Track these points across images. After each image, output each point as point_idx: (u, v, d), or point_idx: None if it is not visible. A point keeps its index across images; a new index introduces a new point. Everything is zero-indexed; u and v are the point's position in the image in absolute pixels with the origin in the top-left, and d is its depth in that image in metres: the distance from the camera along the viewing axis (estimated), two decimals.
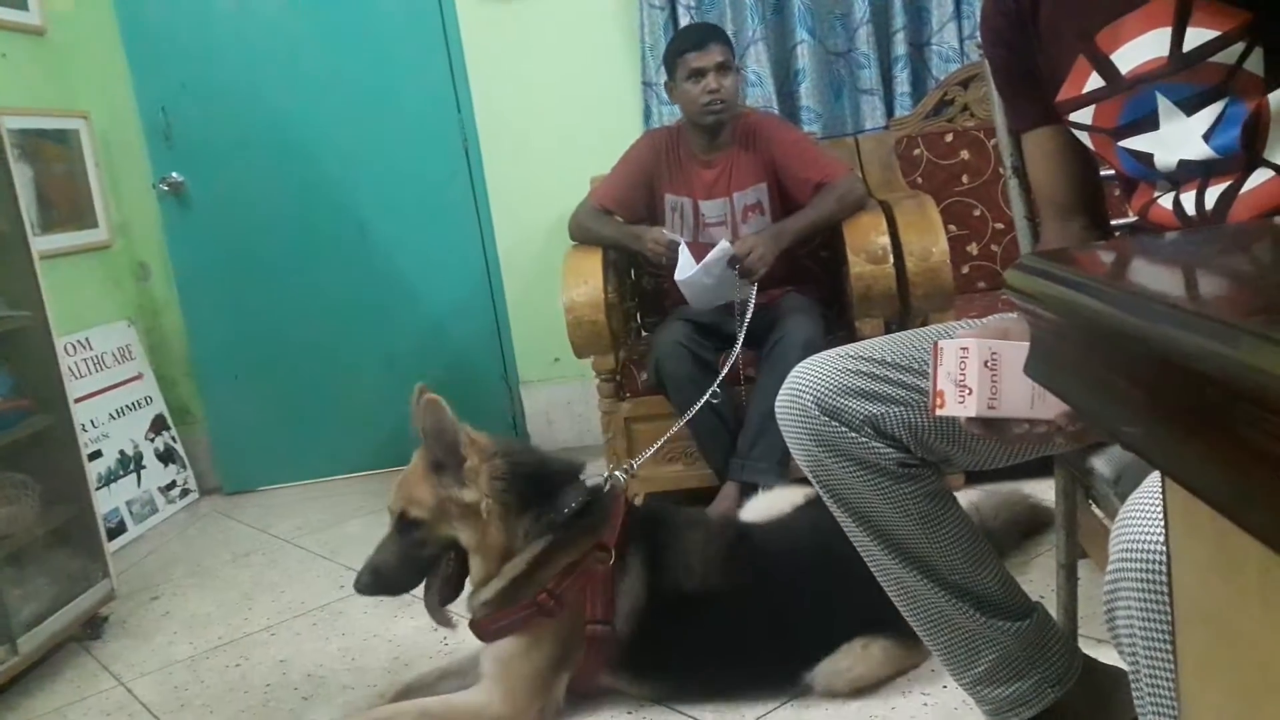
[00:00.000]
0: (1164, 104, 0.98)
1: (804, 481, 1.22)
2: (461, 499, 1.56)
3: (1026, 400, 0.91)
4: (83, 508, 2.22)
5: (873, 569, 1.20)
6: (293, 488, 3.31)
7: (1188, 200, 1.00)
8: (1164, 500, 0.50)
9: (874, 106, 2.92)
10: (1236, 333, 0.34)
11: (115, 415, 3.07)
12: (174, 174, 3.14)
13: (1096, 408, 0.47)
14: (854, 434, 1.10)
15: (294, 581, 2.46)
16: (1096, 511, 1.40)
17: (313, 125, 3.15)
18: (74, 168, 3.08)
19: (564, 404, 3.27)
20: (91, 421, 2.93)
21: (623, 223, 2.57)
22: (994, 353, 0.90)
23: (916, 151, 2.82)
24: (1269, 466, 0.32)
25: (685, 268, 2.33)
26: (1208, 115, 0.96)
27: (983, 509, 1.97)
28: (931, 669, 1.59)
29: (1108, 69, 1.01)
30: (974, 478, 2.30)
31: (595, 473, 1.77)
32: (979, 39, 1.24)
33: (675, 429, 2.08)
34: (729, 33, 2.71)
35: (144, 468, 3.13)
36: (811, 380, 1.12)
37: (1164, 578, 0.66)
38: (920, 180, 2.80)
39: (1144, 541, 0.69)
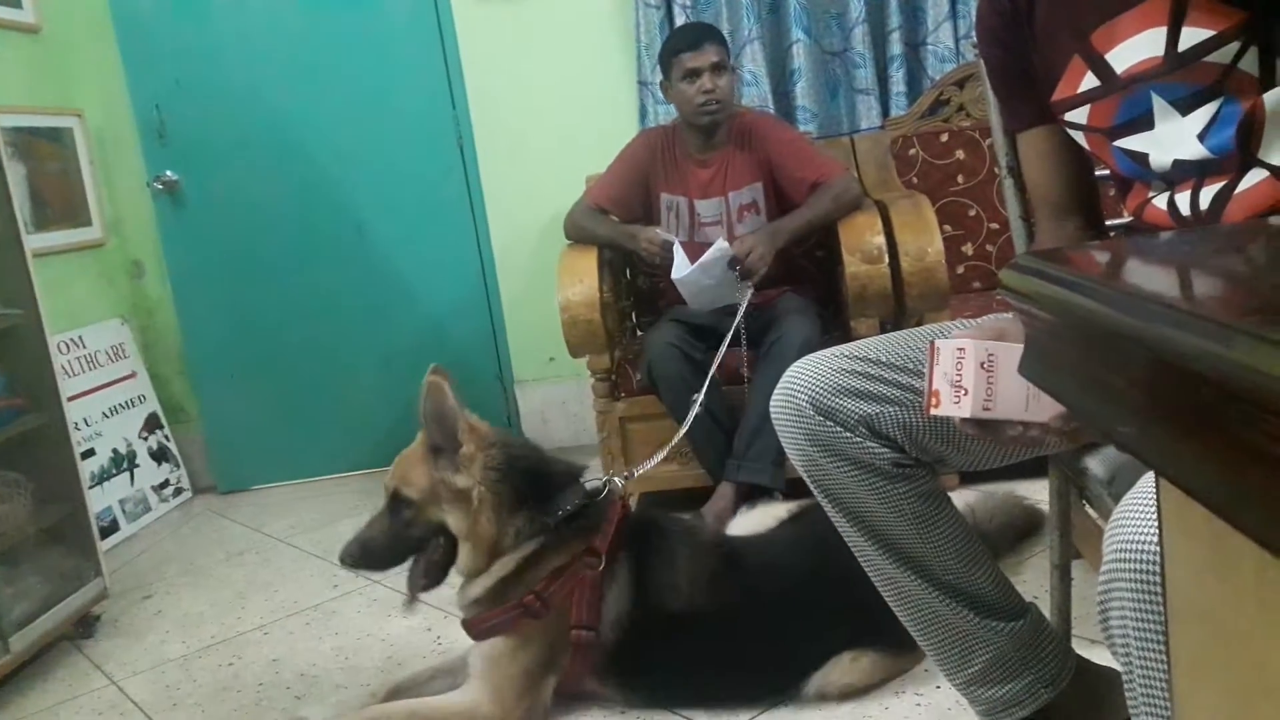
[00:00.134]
0: (1159, 103, 0.98)
1: (800, 482, 1.22)
2: (454, 484, 1.57)
3: (1021, 402, 0.91)
4: (75, 506, 2.21)
5: (866, 569, 1.20)
6: (286, 487, 3.30)
7: (1182, 200, 1.00)
8: (1158, 500, 0.50)
9: (869, 106, 2.92)
10: (1231, 333, 0.34)
11: (108, 414, 3.06)
12: (168, 172, 3.13)
13: (1091, 408, 0.47)
14: (849, 434, 1.10)
15: (287, 581, 2.45)
16: (1090, 512, 1.40)
17: (308, 123, 3.14)
18: (68, 166, 3.07)
19: (559, 403, 3.27)
20: (85, 420, 2.93)
21: (618, 222, 2.57)
22: (990, 354, 0.90)
23: (912, 151, 2.83)
24: (1264, 466, 0.32)
25: (681, 267, 2.33)
26: (1203, 115, 0.96)
27: (977, 510, 1.97)
28: (925, 669, 1.59)
29: (1103, 69, 1.01)
30: (968, 478, 2.30)
31: (595, 475, 1.76)
32: (974, 39, 1.24)
33: (675, 440, 2.08)
34: (724, 32, 2.71)
35: (137, 466, 3.12)
36: (806, 380, 1.12)
37: (1158, 578, 0.66)
38: (916, 180, 2.80)
39: (1138, 542, 0.69)
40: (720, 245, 2.29)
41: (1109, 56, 1.00)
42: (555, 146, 3.09)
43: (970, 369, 0.90)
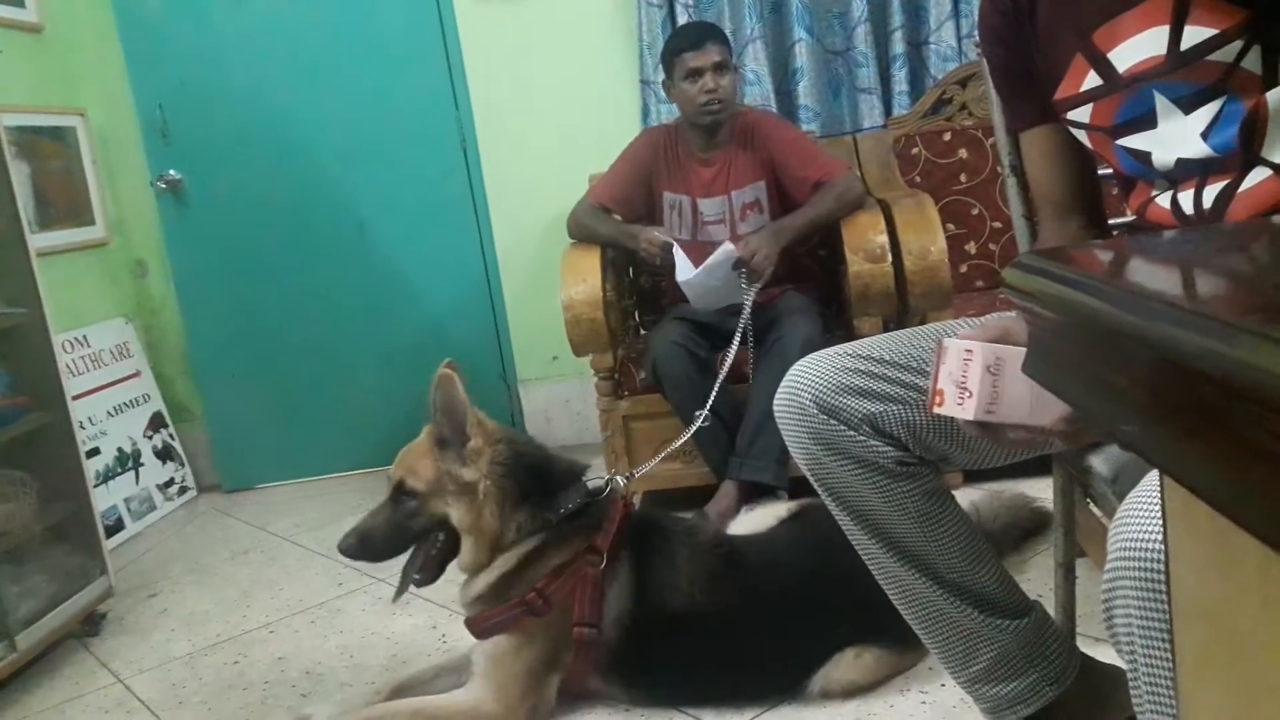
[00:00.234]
0: (1162, 102, 0.98)
1: (802, 480, 1.22)
2: (460, 476, 1.57)
3: (1025, 407, 0.90)
4: (81, 505, 2.22)
5: (871, 567, 1.20)
6: (291, 485, 3.30)
7: (1185, 199, 1.00)
8: (1162, 499, 0.50)
9: (872, 105, 2.92)
10: (1234, 331, 0.34)
11: (113, 412, 3.07)
12: (171, 171, 3.13)
13: (1094, 406, 0.47)
14: (852, 432, 1.10)
15: (292, 579, 2.46)
16: (1095, 510, 1.40)
17: (311, 123, 3.15)
18: (71, 165, 3.08)
19: (562, 402, 3.27)
20: (89, 419, 2.93)
21: (620, 221, 2.57)
22: (999, 358, 0.90)
23: (915, 150, 2.82)
24: (1267, 465, 0.32)
25: (684, 269, 2.33)
26: (1206, 114, 0.96)
27: (981, 509, 1.97)
28: (929, 667, 1.59)
29: (1105, 67, 1.01)
30: (972, 476, 2.30)
31: (598, 474, 1.77)
32: (977, 38, 1.24)
33: (678, 443, 2.08)
34: (727, 31, 2.71)
35: (142, 465, 3.13)
36: (810, 378, 1.12)
37: (1162, 576, 0.66)
38: (918, 179, 2.80)
39: (1142, 540, 0.69)
40: (726, 248, 2.29)
41: (1111, 55, 1.00)
42: (558, 145, 3.09)
43: (976, 372, 0.90)
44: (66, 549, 2.23)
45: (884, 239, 2.30)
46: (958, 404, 0.92)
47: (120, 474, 3.03)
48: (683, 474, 2.45)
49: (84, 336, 3.02)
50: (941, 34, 2.87)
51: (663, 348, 2.32)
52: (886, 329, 2.28)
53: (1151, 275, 0.53)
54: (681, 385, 2.30)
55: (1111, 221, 1.22)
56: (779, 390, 1.15)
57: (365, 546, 1.60)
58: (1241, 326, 0.34)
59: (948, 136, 2.81)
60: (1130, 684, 0.73)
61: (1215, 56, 0.93)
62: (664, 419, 2.39)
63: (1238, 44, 0.92)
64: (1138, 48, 0.98)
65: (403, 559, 1.65)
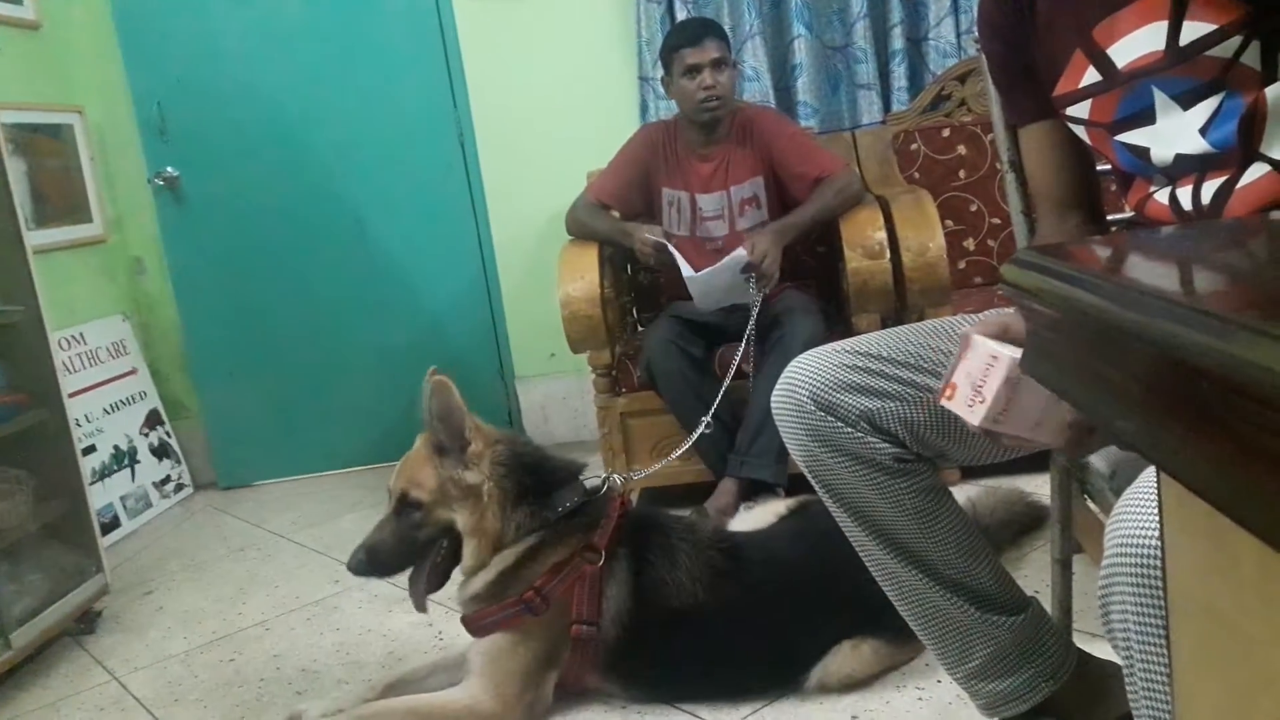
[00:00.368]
0: (1160, 98, 0.98)
1: (801, 478, 1.22)
2: (464, 481, 1.58)
3: (1031, 424, 0.90)
4: (77, 502, 2.22)
5: (868, 563, 1.20)
6: (287, 483, 3.30)
7: (1184, 195, 0.99)
8: (1159, 495, 0.50)
9: (871, 101, 2.91)
10: (1232, 327, 0.34)
11: (110, 410, 3.07)
12: (169, 169, 3.13)
13: (1092, 403, 0.47)
14: (850, 429, 1.10)
15: (289, 576, 2.45)
16: (1092, 507, 1.40)
17: (309, 120, 3.14)
18: (68, 162, 3.07)
19: (560, 399, 3.27)
20: (86, 416, 2.93)
21: (617, 218, 2.57)
22: (1022, 375, 0.89)
23: (913, 146, 2.82)
24: (1264, 461, 0.32)
25: (686, 268, 2.32)
26: (1204, 109, 0.96)
27: (979, 505, 1.97)
28: (926, 663, 1.59)
29: (1104, 63, 1.01)
30: (970, 473, 2.30)
31: (595, 472, 1.77)
32: (976, 34, 1.24)
33: (680, 451, 2.08)
34: (726, 27, 2.70)
35: (138, 462, 3.12)
36: (807, 375, 1.12)
37: (1158, 573, 0.66)
38: (917, 175, 2.80)
39: (1139, 536, 0.69)
40: (739, 253, 2.28)
41: (1110, 51, 1.00)
42: (556, 142, 3.09)
43: (996, 380, 0.89)
44: (62, 546, 2.23)
45: (882, 235, 2.29)
46: (968, 405, 0.91)
47: (116, 471, 3.03)
48: (682, 471, 2.44)
49: (80, 334, 3.01)
50: (941, 30, 2.87)
51: (657, 346, 2.32)
52: (885, 326, 2.28)
53: (1149, 271, 0.53)
54: (675, 383, 2.29)
55: (1110, 218, 1.22)
56: (776, 386, 1.15)
57: (375, 563, 1.60)
58: (1239, 322, 0.34)
59: (947, 132, 2.81)
60: (1126, 680, 0.73)
61: (1214, 52, 0.93)
62: (661, 416, 2.39)
63: (1236, 39, 0.92)
64: (1137, 43, 0.98)
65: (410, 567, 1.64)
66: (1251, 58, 0.92)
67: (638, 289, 2.85)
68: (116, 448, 3.05)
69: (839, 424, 1.10)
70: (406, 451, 1.66)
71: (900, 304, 2.34)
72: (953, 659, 1.20)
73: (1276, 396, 0.31)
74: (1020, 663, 1.18)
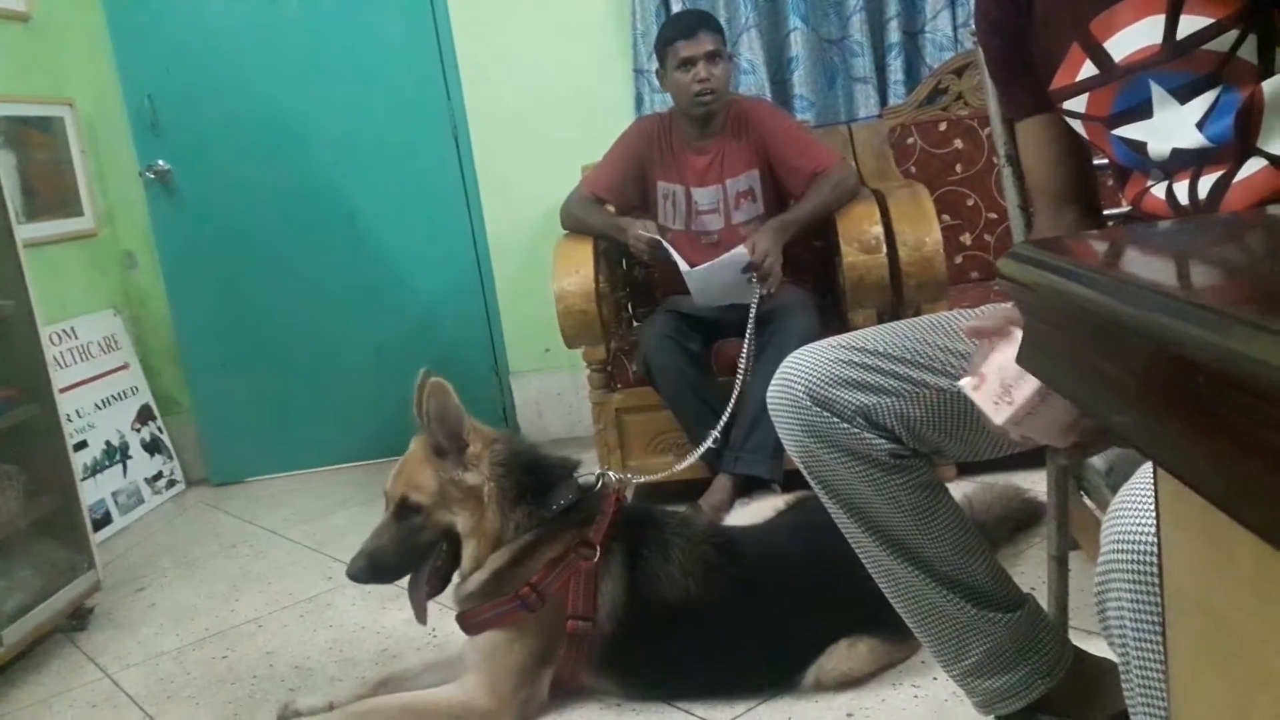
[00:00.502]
0: (1157, 92, 0.98)
1: (797, 474, 1.21)
2: (464, 482, 1.57)
3: (1050, 434, 0.89)
4: (68, 498, 2.21)
5: (863, 560, 1.19)
6: (280, 479, 3.29)
7: (1181, 190, 0.99)
8: (1155, 491, 0.50)
9: (867, 95, 2.91)
10: (1229, 321, 0.33)
11: (101, 405, 3.05)
12: (160, 162, 3.11)
13: (1088, 397, 0.46)
14: (845, 424, 1.10)
15: (281, 573, 2.45)
16: (1088, 503, 1.39)
17: (301, 113, 3.13)
18: (59, 155, 3.05)
19: (554, 394, 3.26)
20: (77, 411, 2.92)
21: (612, 212, 2.56)
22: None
23: (910, 140, 2.82)
24: (1261, 457, 0.31)
25: (683, 263, 2.32)
26: (1201, 103, 0.95)
27: (975, 501, 1.97)
28: (922, 661, 1.59)
29: (1101, 57, 1.00)
30: (966, 469, 2.30)
31: (590, 470, 1.76)
32: (973, 27, 1.23)
33: (686, 464, 2.08)
34: (721, 19, 2.69)
35: (130, 458, 3.11)
36: (803, 370, 1.12)
37: (1155, 569, 0.65)
38: (914, 169, 2.79)
39: (1135, 533, 0.69)
40: (739, 251, 2.27)
41: (1107, 45, 1.00)
42: (550, 135, 3.08)
43: (1030, 386, 0.87)
44: (53, 543, 2.22)
45: (879, 230, 2.29)
46: (993, 402, 0.89)
47: (108, 467, 3.01)
48: (675, 466, 2.44)
49: (72, 328, 3.00)
50: (937, 23, 2.86)
51: (653, 341, 2.31)
52: (881, 321, 2.27)
53: (1146, 265, 0.53)
54: (672, 378, 2.29)
55: (1106, 212, 1.22)
56: (772, 382, 1.14)
57: (376, 569, 1.58)
58: (1237, 317, 0.33)
59: (943, 126, 2.81)
60: (1122, 677, 0.73)
61: (1211, 46, 0.92)
62: (657, 412, 2.39)
63: (1233, 33, 0.91)
64: (1134, 37, 0.97)
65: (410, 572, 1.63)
66: (1248, 52, 0.92)
67: (633, 284, 2.84)
68: (108, 443, 3.04)
69: (835, 419, 1.10)
70: (400, 448, 1.65)
71: (896, 299, 2.34)
72: (949, 656, 1.20)
73: (1273, 391, 0.30)
74: (1016, 660, 1.18)
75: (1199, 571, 0.44)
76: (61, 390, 2.29)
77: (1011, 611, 1.18)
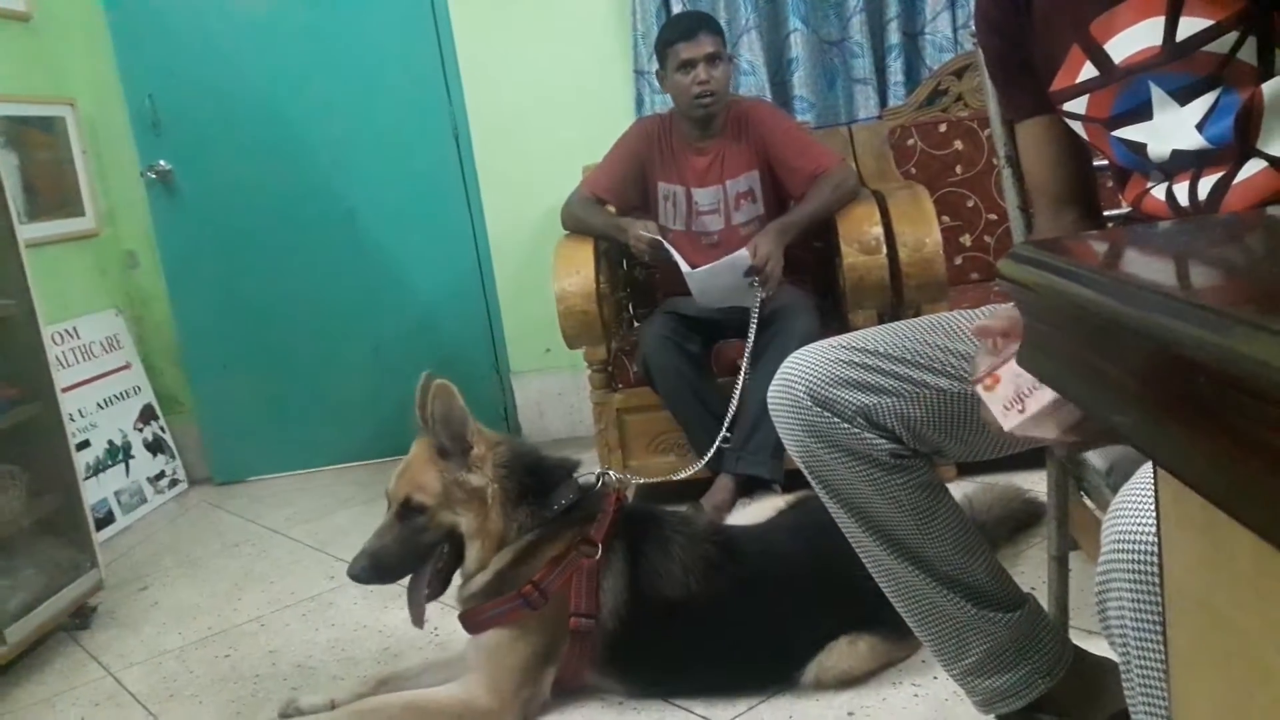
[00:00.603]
0: (1157, 94, 0.98)
1: (798, 474, 1.21)
2: (469, 483, 1.58)
3: (1050, 436, 0.89)
4: (70, 497, 2.21)
5: (864, 559, 1.19)
6: (282, 478, 3.30)
7: (1181, 191, 0.99)
8: (1156, 491, 0.50)
9: (867, 96, 2.91)
10: (1229, 321, 0.33)
11: (103, 405, 3.06)
12: (161, 162, 3.12)
13: (1088, 397, 0.46)
14: (846, 424, 1.10)
15: (283, 572, 2.45)
16: (1088, 503, 1.40)
17: (302, 113, 3.13)
18: (60, 155, 3.06)
19: (555, 395, 3.27)
20: (79, 411, 2.92)
21: (613, 213, 2.56)
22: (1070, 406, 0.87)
23: (910, 141, 2.82)
24: (1261, 456, 0.32)
25: (685, 264, 2.32)
26: (1201, 105, 0.95)
27: (975, 501, 1.97)
28: (922, 660, 1.59)
29: (1101, 58, 1.01)
30: (966, 469, 2.30)
31: (590, 469, 1.77)
32: (973, 28, 1.23)
33: (692, 471, 2.09)
34: (721, 21, 2.69)
35: (132, 458, 3.11)
36: (804, 370, 1.12)
37: (1155, 569, 0.66)
38: (914, 170, 2.79)
39: (1135, 532, 0.69)
40: (741, 254, 2.27)
41: (1107, 46, 1.00)
42: (551, 136, 3.08)
43: (1045, 399, 0.86)
44: (56, 542, 2.22)
45: (879, 231, 2.29)
46: (1004, 407, 0.89)
47: (110, 466, 3.02)
48: (677, 467, 2.43)
49: (74, 328, 3.00)
50: (937, 24, 2.86)
51: (653, 342, 2.31)
52: (881, 322, 2.28)
53: (1146, 266, 0.53)
54: (672, 379, 2.29)
55: (1106, 213, 1.22)
56: (773, 382, 1.14)
57: (379, 569, 1.58)
58: (1237, 317, 0.33)
59: (943, 128, 2.81)
60: (1123, 676, 0.73)
61: (1211, 48, 0.93)
62: (657, 412, 2.39)
63: (1233, 35, 0.91)
64: (1134, 39, 0.97)
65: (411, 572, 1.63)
66: (1248, 53, 0.92)
67: (634, 284, 2.85)
68: (110, 443, 3.04)
69: (835, 419, 1.10)
70: (402, 448, 1.66)
71: (897, 300, 2.34)
72: (949, 655, 1.20)
73: (1273, 391, 0.30)
74: (1017, 659, 1.18)
75: (1199, 570, 0.45)
76: (64, 390, 2.29)
77: (1012, 611, 1.18)
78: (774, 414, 1.14)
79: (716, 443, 2.11)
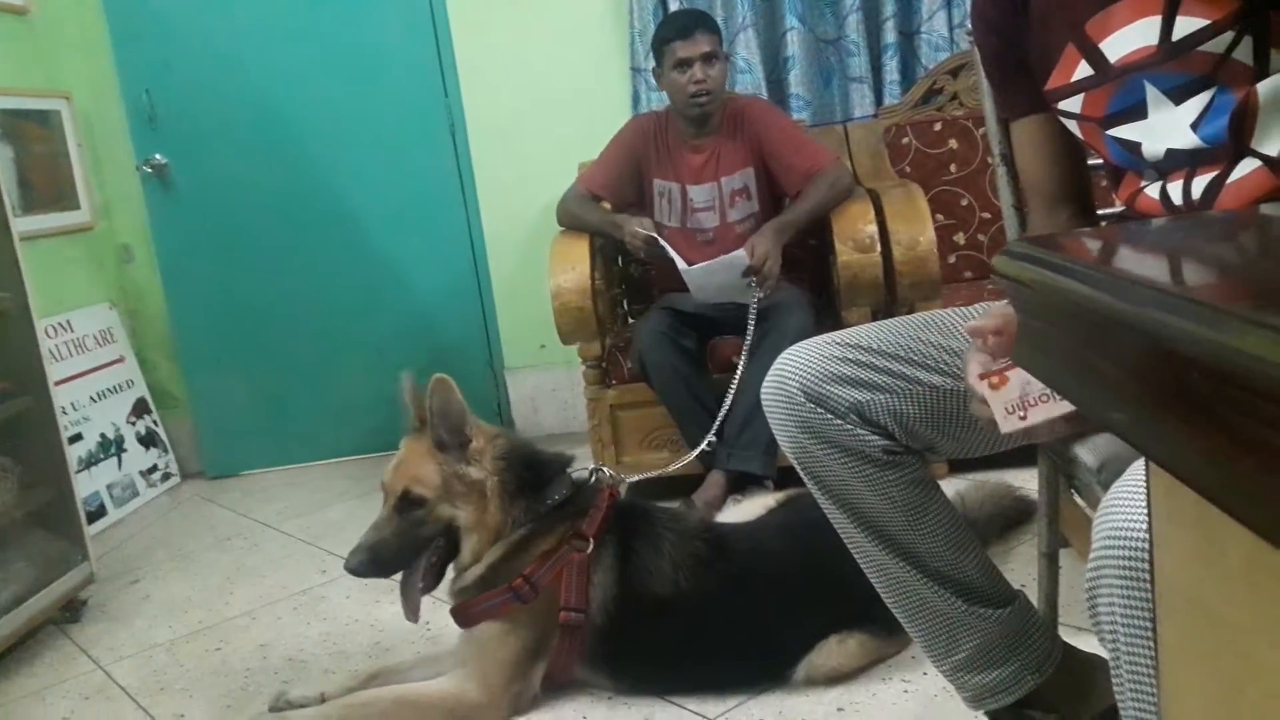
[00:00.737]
0: (1152, 93, 0.98)
1: (790, 471, 1.22)
2: (468, 476, 1.58)
3: (1043, 437, 0.89)
4: (62, 491, 2.20)
5: (855, 555, 1.20)
6: (275, 472, 3.29)
7: (1175, 190, 1.00)
8: (1148, 487, 0.50)
9: (863, 94, 2.91)
10: (1224, 317, 0.33)
11: (96, 398, 3.05)
12: (157, 156, 3.10)
13: (1083, 394, 0.46)
14: (839, 421, 1.10)
15: (275, 566, 2.45)
16: (1079, 501, 1.40)
17: (299, 108, 3.12)
18: (55, 148, 3.04)
19: (549, 390, 3.27)
20: (72, 404, 2.91)
21: (608, 210, 2.56)
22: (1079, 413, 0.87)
23: (905, 140, 2.82)
24: (1255, 452, 0.32)
25: (681, 261, 2.32)
26: (1196, 104, 0.96)
27: (966, 498, 1.98)
28: (912, 656, 1.60)
29: (1097, 57, 1.01)
30: (958, 466, 2.31)
31: (584, 465, 1.77)
32: (969, 27, 1.24)
33: (681, 463, 2.10)
34: (718, 18, 2.70)
35: (125, 451, 3.10)
36: (798, 366, 1.12)
37: (1146, 565, 0.66)
38: (908, 169, 2.80)
39: (1127, 528, 0.69)
40: (739, 254, 2.27)
41: (1103, 45, 1.00)
42: (548, 132, 3.08)
43: (1055, 411, 0.86)
44: (47, 535, 2.22)
45: (873, 229, 2.29)
46: (1006, 410, 0.89)
47: (103, 460, 3.01)
48: (670, 462, 2.44)
49: (68, 321, 2.99)
50: (933, 23, 2.86)
51: (648, 338, 2.31)
52: (875, 319, 2.28)
53: (1141, 262, 0.53)
54: (667, 375, 2.29)
55: (1100, 212, 1.22)
56: (766, 378, 1.14)
57: (377, 563, 1.58)
58: (1231, 312, 0.33)
59: (938, 126, 2.81)
60: (1112, 673, 0.73)
61: (1206, 47, 0.93)
62: (651, 408, 2.39)
63: (1229, 35, 0.92)
64: (1129, 38, 0.98)
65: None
66: (1244, 53, 0.92)
67: (629, 281, 2.85)
68: (103, 436, 3.03)
69: (829, 415, 1.10)
70: (395, 443, 1.66)
71: (891, 298, 2.35)
72: (939, 651, 1.21)
73: (1267, 386, 0.31)
74: (1006, 655, 1.18)
75: (1190, 566, 0.45)
76: (57, 383, 2.29)
77: (1002, 607, 1.18)
78: (767, 409, 1.14)
79: (702, 445, 2.11)
